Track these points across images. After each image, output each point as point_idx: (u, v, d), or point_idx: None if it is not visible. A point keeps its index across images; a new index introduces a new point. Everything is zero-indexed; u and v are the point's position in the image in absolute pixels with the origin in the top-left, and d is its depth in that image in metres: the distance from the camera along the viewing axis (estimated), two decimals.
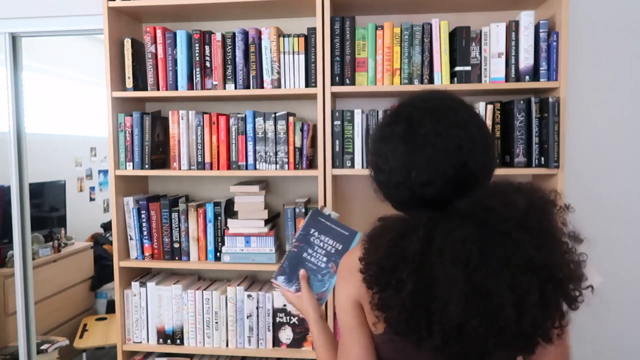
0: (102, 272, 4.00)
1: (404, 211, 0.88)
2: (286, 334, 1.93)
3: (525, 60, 1.76)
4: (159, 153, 2.02)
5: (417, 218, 0.79)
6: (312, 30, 1.83)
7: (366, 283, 0.82)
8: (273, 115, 1.88)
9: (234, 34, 1.90)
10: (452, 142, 0.81)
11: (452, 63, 1.81)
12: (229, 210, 2.01)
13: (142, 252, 1.98)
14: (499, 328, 0.73)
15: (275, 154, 1.88)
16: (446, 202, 0.80)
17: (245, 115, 1.89)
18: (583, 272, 0.86)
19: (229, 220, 1.94)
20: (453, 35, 1.80)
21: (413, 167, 0.81)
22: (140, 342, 1.99)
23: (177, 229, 1.95)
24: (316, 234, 1.24)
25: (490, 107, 1.79)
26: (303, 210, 1.89)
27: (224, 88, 1.91)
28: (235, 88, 1.90)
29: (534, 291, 0.74)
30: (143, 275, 2.08)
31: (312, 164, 1.99)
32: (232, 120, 1.90)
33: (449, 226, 0.76)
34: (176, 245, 1.96)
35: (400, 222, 0.82)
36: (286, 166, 1.88)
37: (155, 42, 1.92)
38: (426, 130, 0.82)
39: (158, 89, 1.94)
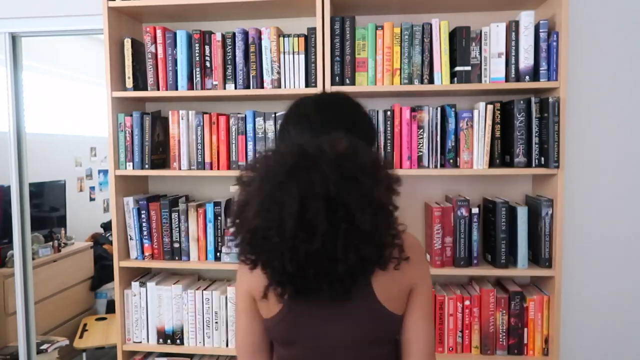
0: (102, 272, 4.00)
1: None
2: None
3: (525, 60, 1.76)
4: (159, 153, 2.02)
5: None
6: (312, 30, 1.83)
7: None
8: (273, 115, 1.88)
9: (234, 34, 1.90)
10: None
11: (452, 63, 1.81)
12: (229, 210, 2.01)
13: (142, 252, 1.98)
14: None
15: None
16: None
17: (245, 115, 1.89)
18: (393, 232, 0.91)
19: (229, 220, 1.94)
20: (453, 35, 1.80)
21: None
22: (140, 342, 1.99)
23: (177, 229, 1.95)
24: None
25: (490, 107, 1.79)
26: None
27: (224, 88, 1.91)
28: (235, 88, 1.90)
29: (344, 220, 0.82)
30: (143, 275, 2.08)
31: None
32: (232, 120, 1.90)
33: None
34: (176, 245, 1.96)
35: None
36: None
37: (155, 42, 1.92)
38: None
39: (158, 89, 1.94)
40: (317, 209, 0.80)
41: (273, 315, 0.97)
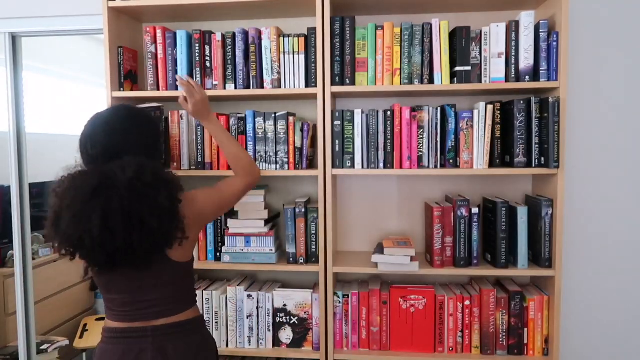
0: None
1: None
2: (286, 334, 1.93)
3: (525, 60, 1.76)
4: None
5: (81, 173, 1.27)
6: (312, 30, 1.83)
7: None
8: (273, 115, 1.88)
9: (234, 34, 1.90)
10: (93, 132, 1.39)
11: (452, 63, 1.81)
12: (229, 210, 2.01)
13: None
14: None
15: (276, 154, 1.88)
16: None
17: (245, 115, 1.89)
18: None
19: (229, 220, 1.94)
20: (453, 35, 1.80)
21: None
22: None
23: None
24: None
25: (490, 107, 1.79)
26: (303, 210, 1.88)
27: (224, 88, 1.91)
28: (235, 88, 1.90)
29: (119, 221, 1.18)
30: None
31: (312, 164, 1.99)
32: (232, 120, 1.90)
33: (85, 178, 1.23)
34: None
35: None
36: (286, 166, 1.88)
37: (155, 42, 1.92)
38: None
39: (158, 89, 1.94)
40: (115, 220, 1.17)
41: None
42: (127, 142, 1.32)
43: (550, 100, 1.71)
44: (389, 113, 1.83)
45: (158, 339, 1.33)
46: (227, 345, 1.95)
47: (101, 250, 1.20)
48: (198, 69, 1.91)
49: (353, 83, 1.83)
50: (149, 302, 1.34)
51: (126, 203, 1.17)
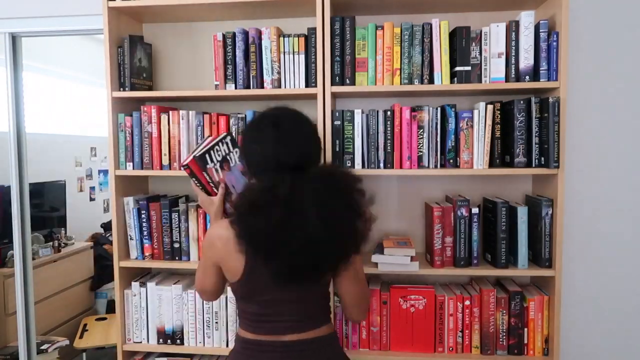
0: (102, 272, 4.00)
1: (268, 176, 1.26)
2: None
3: (525, 60, 1.76)
4: (142, 79, 2.00)
5: (280, 177, 1.22)
6: (312, 30, 1.83)
7: (236, 217, 1.25)
8: None
9: (234, 34, 1.90)
10: (300, 136, 1.33)
11: (452, 63, 1.81)
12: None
13: (142, 252, 1.98)
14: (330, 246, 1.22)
15: None
16: (296, 171, 1.24)
17: (245, 115, 1.89)
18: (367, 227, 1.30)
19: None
20: (453, 35, 1.80)
21: (279, 149, 1.29)
22: (140, 342, 1.99)
23: (177, 229, 1.95)
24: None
25: (490, 107, 1.79)
26: None
27: (224, 88, 1.91)
28: (235, 88, 1.90)
29: (349, 224, 1.24)
30: (143, 275, 2.08)
31: None
32: (232, 120, 1.90)
33: (305, 181, 1.22)
34: (176, 245, 1.96)
35: (268, 181, 1.23)
36: None
37: (151, 122, 1.92)
38: (286, 127, 1.32)
39: (152, 168, 1.93)
40: (323, 227, 1.19)
41: (236, 281, 1.37)
42: (313, 150, 1.36)
43: (550, 100, 1.71)
44: (389, 113, 1.83)
45: (286, 354, 1.32)
46: (227, 345, 1.95)
47: (297, 260, 1.21)
48: None
49: (353, 83, 1.83)
50: (283, 317, 1.34)
51: (329, 211, 1.20)
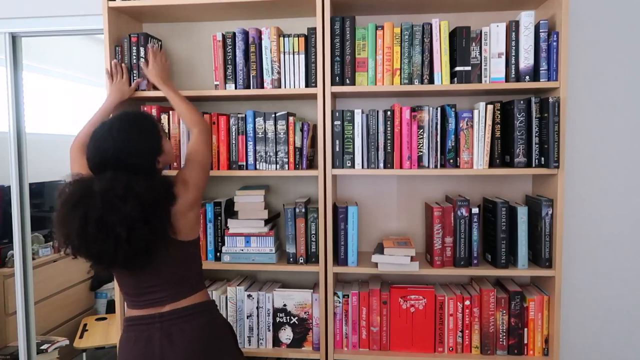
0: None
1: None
2: (286, 334, 1.93)
3: (525, 60, 1.76)
4: None
5: (82, 176, 1.38)
6: (312, 30, 1.83)
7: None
8: (273, 115, 1.88)
9: (234, 34, 1.90)
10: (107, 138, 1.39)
11: (452, 63, 1.81)
12: (229, 210, 2.01)
13: None
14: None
15: (276, 154, 1.88)
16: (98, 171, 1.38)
17: (245, 115, 1.89)
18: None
19: (229, 220, 1.94)
20: (453, 35, 1.80)
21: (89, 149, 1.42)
22: None
23: None
24: None
25: (490, 107, 1.79)
26: (303, 210, 1.88)
27: (224, 88, 1.91)
28: (235, 88, 1.90)
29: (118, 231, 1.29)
30: None
31: (312, 164, 1.99)
32: (232, 120, 1.90)
33: (96, 181, 1.33)
34: None
35: (74, 177, 1.38)
36: (286, 166, 1.88)
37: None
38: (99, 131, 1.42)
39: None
40: (91, 228, 1.28)
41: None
42: (113, 157, 1.37)
43: (550, 100, 1.71)
44: (389, 113, 1.83)
45: (165, 324, 1.43)
46: None
47: (86, 253, 1.33)
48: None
49: (353, 83, 1.83)
50: (156, 288, 1.44)
51: (100, 213, 1.28)
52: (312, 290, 1.93)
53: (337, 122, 1.84)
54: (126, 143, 1.39)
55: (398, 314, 1.89)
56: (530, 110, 1.77)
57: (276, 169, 1.88)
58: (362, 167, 1.85)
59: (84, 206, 1.29)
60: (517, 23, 1.77)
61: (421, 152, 1.83)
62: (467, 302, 1.87)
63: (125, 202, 1.29)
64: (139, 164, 1.40)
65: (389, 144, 1.83)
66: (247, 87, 1.90)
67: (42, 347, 2.93)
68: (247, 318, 1.94)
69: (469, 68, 1.79)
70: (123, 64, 1.90)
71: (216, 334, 1.50)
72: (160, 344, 1.40)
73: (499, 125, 1.82)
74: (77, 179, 1.37)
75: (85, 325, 3.46)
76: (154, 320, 1.43)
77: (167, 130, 1.93)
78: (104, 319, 3.57)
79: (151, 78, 1.84)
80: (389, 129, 1.83)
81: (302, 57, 1.85)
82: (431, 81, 1.81)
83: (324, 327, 1.88)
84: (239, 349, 1.61)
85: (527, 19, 1.75)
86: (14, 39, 2.34)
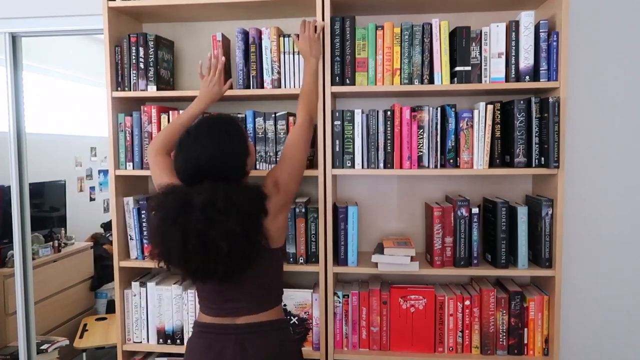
0: (102, 272, 3.99)
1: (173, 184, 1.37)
2: None
3: (525, 60, 1.76)
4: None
5: (175, 186, 1.32)
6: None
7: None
8: (273, 115, 1.88)
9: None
10: (195, 149, 1.33)
11: (452, 63, 1.81)
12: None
13: (142, 252, 1.98)
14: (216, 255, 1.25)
15: (276, 154, 1.88)
16: (193, 181, 1.31)
17: (245, 115, 1.89)
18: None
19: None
20: (453, 35, 1.80)
21: (178, 159, 1.38)
22: (140, 342, 1.99)
23: None
24: None
25: (490, 107, 1.79)
26: (303, 210, 1.88)
27: None
28: (236, 88, 1.90)
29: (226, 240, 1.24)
30: (143, 275, 2.08)
31: (312, 164, 1.99)
32: None
33: (194, 193, 1.26)
34: None
35: (167, 187, 1.34)
36: None
37: (151, 122, 1.92)
38: (187, 139, 1.37)
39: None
40: (193, 243, 1.23)
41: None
42: (208, 166, 1.32)
43: (550, 100, 1.71)
44: (389, 113, 1.83)
45: (240, 337, 1.39)
46: None
47: (185, 267, 1.29)
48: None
49: (353, 83, 1.83)
50: (234, 297, 1.41)
51: (200, 227, 1.22)
52: (312, 290, 1.93)
53: (337, 122, 1.84)
54: (217, 150, 1.33)
55: (398, 314, 1.89)
56: (530, 110, 1.77)
57: None
58: (362, 167, 1.85)
59: (184, 220, 1.23)
60: (517, 23, 1.77)
61: (421, 152, 1.83)
62: (467, 302, 1.87)
63: (227, 216, 1.23)
64: (232, 169, 1.35)
65: (389, 144, 1.83)
66: (247, 87, 1.90)
67: (42, 347, 2.93)
68: None
69: (469, 68, 1.79)
70: (221, 58, 1.76)
71: (288, 354, 1.46)
72: (232, 355, 1.36)
73: (499, 125, 1.82)
74: (170, 190, 1.31)
75: (85, 325, 3.47)
76: (229, 331, 1.39)
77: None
78: (104, 319, 3.57)
79: (312, 51, 1.71)
80: (389, 129, 1.83)
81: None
82: (431, 81, 1.81)
83: (324, 327, 1.88)
84: None
85: (527, 19, 1.75)
86: (14, 39, 2.34)
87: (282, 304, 1.51)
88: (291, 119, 1.86)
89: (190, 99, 2.04)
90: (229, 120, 1.44)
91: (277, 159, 1.87)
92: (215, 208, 1.23)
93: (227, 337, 1.39)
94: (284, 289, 1.54)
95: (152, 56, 1.91)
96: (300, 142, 1.54)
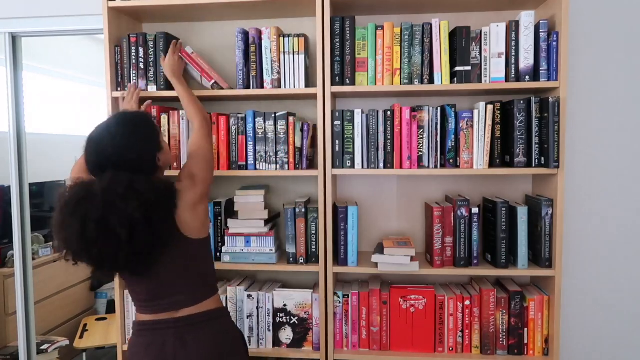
0: None
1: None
2: (286, 334, 1.93)
3: (525, 60, 1.76)
4: None
5: (83, 179, 1.35)
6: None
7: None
8: (273, 115, 1.88)
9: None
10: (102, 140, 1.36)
11: (452, 63, 1.81)
12: (229, 210, 2.01)
13: None
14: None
15: (276, 154, 1.88)
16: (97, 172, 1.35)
17: (245, 115, 1.89)
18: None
19: (229, 220, 1.94)
20: (453, 35, 1.80)
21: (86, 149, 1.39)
22: None
23: None
24: None
25: (490, 107, 1.79)
26: (303, 210, 1.88)
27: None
28: (236, 88, 1.90)
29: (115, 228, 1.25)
30: None
31: (312, 164, 1.99)
32: (232, 120, 1.90)
33: (96, 183, 1.30)
34: None
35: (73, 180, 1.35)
36: (286, 166, 1.88)
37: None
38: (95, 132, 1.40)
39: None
40: (91, 230, 1.23)
41: None
42: (113, 157, 1.34)
43: (550, 100, 1.71)
44: (389, 113, 1.83)
45: (180, 330, 1.40)
46: None
47: (87, 256, 1.29)
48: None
49: (353, 83, 1.83)
50: (168, 292, 1.41)
51: (100, 214, 1.23)
52: (312, 290, 1.93)
53: (337, 122, 1.84)
54: (125, 141, 1.35)
55: (398, 314, 1.89)
56: (530, 110, 1.77)
57: (276, 169, 1.88)
58: (362, 167, 1.85)
59: (84, 208, 1.25)
60: (517, 23, 1.77)
61: (421, 152, 1.83)
62: (467, 302, 1.87)
63: (126, 201, 1.24)
64: (139, 161, 1.37)
65: (389, 144, 1.83)
66: (247, 87, 1.90)
67: (42, 347, 2.93)
68: (247, 318, 1.94)
69: (469, 68, 1.79)
70: (136, 85, 1.91)
71: (230, 344, 1.48)
72: (173, 350, 1.37)
73: (499, 125, 1.82)
74: (76, 182, 1.33)
75: (85, 325, 3.46)
76: (169, 326, 1.40)
77: (167, 130, 1.93)
78: (104, 319, 3.57)
79: (165, 70, 1.83)
80: (389, 129, 1.83)
81: (302, 57, 1.85)
82: (431, 81, 1.81)
83: (324, 327, 1.88)
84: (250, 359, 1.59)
85: (527, 19, 1.75)
86: (14, 39, 2.34)
87: (219, 293, 1.53)
88: (291, 119, 1.86)
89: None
90: (140, 114, 1.49)
91: (277, 159, 1.88)
92: (115, 193, 1.25)
93: (167, 332, 1.39)
94: (279, 288, 1.56)
95: (152, 56, 1.92)
96: (203, 137, 1.60)
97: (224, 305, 1.53)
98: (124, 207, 1.24)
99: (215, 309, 1.47)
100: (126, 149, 1.35)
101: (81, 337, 3.30)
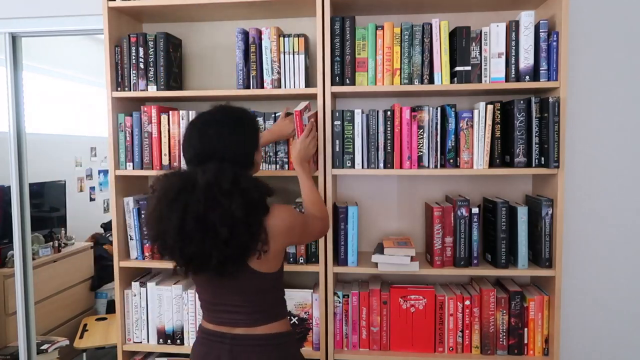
0: (102, 272, 4.00)
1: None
2: None
3: (525, 60, 1.76)
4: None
5: (175, 172, 1.29)
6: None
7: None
8: (273, 115, 1.88)
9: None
10: (201, 134, 1.30)
11: (452, 63, 1.81)
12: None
13: (142, 252, 1.98)
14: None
15: (275, 154, 1.88)
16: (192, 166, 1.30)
17: None
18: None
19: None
20: (453, 35, 1.80)
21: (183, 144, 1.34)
22: (140, 342, 1.99)
23: None
24: None
25: (490, 107, 1.79)
26: (303, 210, 1.88)
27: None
28: (236, 88, 1.90)
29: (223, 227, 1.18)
30: (143, 275, 2.08)
31: None
32: None
33: (195, 177, 1.22)
34: None
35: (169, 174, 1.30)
36: (286, 166, 1.88)
37: (151, 122, 1.93)
38: (195, 125, 1.33)
39: (152, 168, 1.93)
40: (190, 225, 1.17)
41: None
42: (217, 147, 1.28)
43: (550, 100, 1.71)
44: (389, 113, 1.83)
45: (236, 348, 1.34)
46: None
47: (180, 253, 1.23)
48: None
49: (353, 83, 1.83)
50: (230, 308, 1.36)
51: (201, 209, 1.17)
52: (312, 290, 1.93)
53: (337, 122, 1.84)
54: (232, 134, 1.29)
55: (398, 314, 1.89)
56: (530, 110, 1.77)
57: (276, 169, 1.88)
58: (362, 167, 1.85)
59: (183, 201, 1.18)
60: (517, 23, 1.77)
61: (421, 152, 1.83)
62: (467, 302, 1.87)
63: (230, 198, 1.17)
64: (242, 157, 1.31)
65: (389, 144, 1.83)
66: (247, 87, 1.90)
67: (42, 347, 2.93)
68: None
69: (469, 68, 1.79)
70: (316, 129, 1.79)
71: None
72: None
73: (499, 125, 1.82)
74: (175, 171, 1.27)
75: (85, 325, 3.47)
76: (224, 341, 1.35)
77: (167, 130, 1.93)
78: (104, 319, 3.57)
79: (293, 153, 1.69)
80: (389, 129, 1.83)
81: (302, 57, 1.85)
82: (431, 81, 1.81)
83: (324, 327, 1.88)
84: None
85: (527, 19, 1.75)
86: (14, 39, 2.34)
87: (287, 318, 1.46)
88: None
89: (191, 99, 2.05)
90: (246, 111, 1.43)
91: (277, 159, 1.87)
92: (219, 189, 1.17)
93: (222, 347, 1.35)
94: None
95: (152, 56, 1.91)
96: (319, 222, 1.54)
97: (289, 329, 1.45)
98: (228, 204, 1.17)
99: (276, 333, 1.38)
100: (232, 142, 1.29)
101: (81, 337, 3.31)
